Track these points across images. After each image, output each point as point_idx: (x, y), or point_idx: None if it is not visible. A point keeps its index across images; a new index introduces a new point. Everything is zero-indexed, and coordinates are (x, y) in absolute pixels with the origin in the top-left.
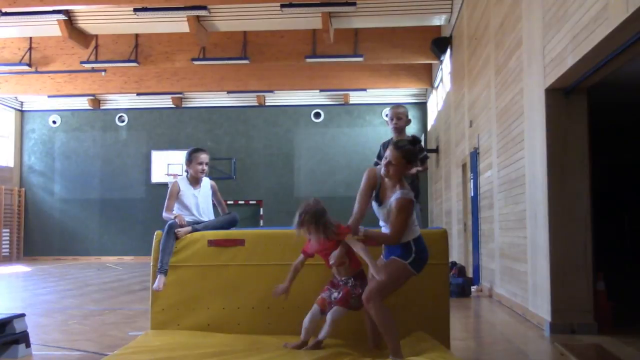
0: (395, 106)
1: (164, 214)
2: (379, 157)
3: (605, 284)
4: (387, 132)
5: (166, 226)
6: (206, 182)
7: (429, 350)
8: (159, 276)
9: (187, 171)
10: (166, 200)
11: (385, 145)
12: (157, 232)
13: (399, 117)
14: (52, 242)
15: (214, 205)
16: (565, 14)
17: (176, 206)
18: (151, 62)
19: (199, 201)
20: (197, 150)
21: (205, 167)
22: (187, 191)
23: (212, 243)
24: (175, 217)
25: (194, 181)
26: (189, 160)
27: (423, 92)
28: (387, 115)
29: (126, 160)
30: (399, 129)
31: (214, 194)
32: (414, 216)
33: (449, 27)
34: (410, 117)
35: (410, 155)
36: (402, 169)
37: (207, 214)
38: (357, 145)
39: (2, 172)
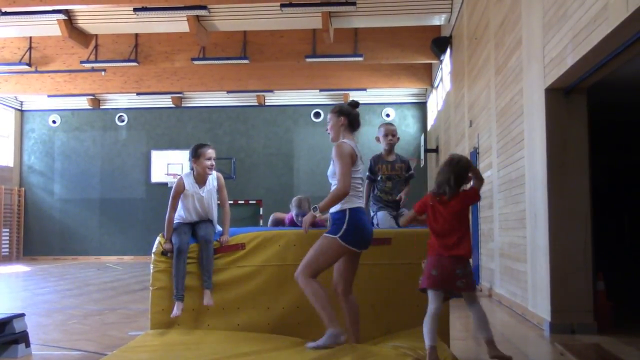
0: (388, 123)
1: (168, 215)
2: (371, 171)
3: (605, 283)
4: None
5: (175, 250)
6: (212, 178)
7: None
8: (176, 303)
9: (192, 169)
10: (170, 200)
11: (375, 160)
12: (160, 237)
13: (393, 134)
14: (52, 241)
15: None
16: (565, 14)
17: (180, 204)
18: (151, 61)
19: (202, 203)
20: (202, 146)
21: (214, 163)
22: (190, 190)
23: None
24: (165, 243)
25: (200, 179)
26: (196, 157)
27: (423, 92)
28: (379, 131)
29: (126, 160)
30: (392, 145)
31: (219, 190)
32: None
33: (449, 26)
34: (410, 117)
35: (344, 110)
36: (338, 127)
37: (208, 216)
38: (357, 145)
39: (2, 172)
